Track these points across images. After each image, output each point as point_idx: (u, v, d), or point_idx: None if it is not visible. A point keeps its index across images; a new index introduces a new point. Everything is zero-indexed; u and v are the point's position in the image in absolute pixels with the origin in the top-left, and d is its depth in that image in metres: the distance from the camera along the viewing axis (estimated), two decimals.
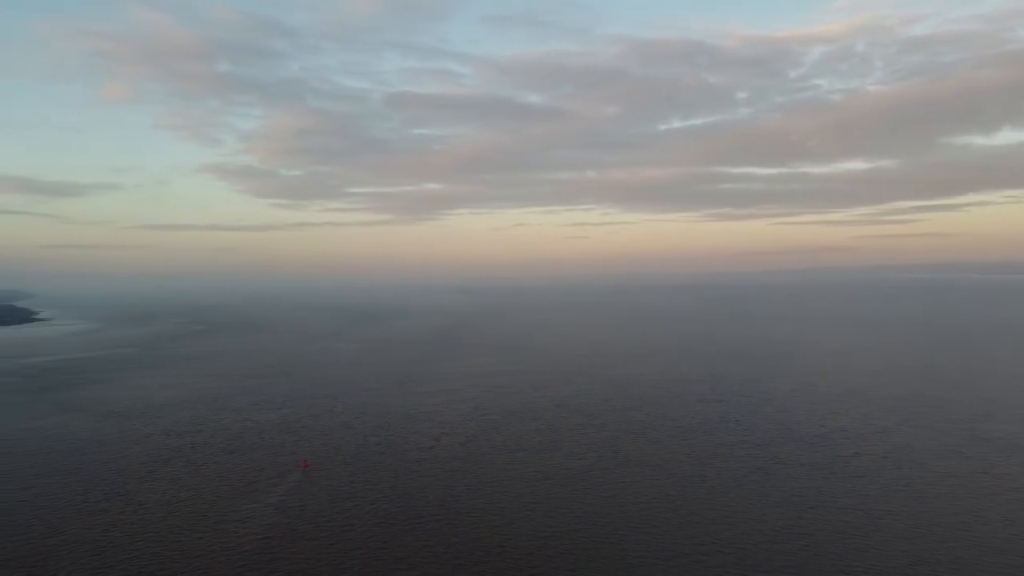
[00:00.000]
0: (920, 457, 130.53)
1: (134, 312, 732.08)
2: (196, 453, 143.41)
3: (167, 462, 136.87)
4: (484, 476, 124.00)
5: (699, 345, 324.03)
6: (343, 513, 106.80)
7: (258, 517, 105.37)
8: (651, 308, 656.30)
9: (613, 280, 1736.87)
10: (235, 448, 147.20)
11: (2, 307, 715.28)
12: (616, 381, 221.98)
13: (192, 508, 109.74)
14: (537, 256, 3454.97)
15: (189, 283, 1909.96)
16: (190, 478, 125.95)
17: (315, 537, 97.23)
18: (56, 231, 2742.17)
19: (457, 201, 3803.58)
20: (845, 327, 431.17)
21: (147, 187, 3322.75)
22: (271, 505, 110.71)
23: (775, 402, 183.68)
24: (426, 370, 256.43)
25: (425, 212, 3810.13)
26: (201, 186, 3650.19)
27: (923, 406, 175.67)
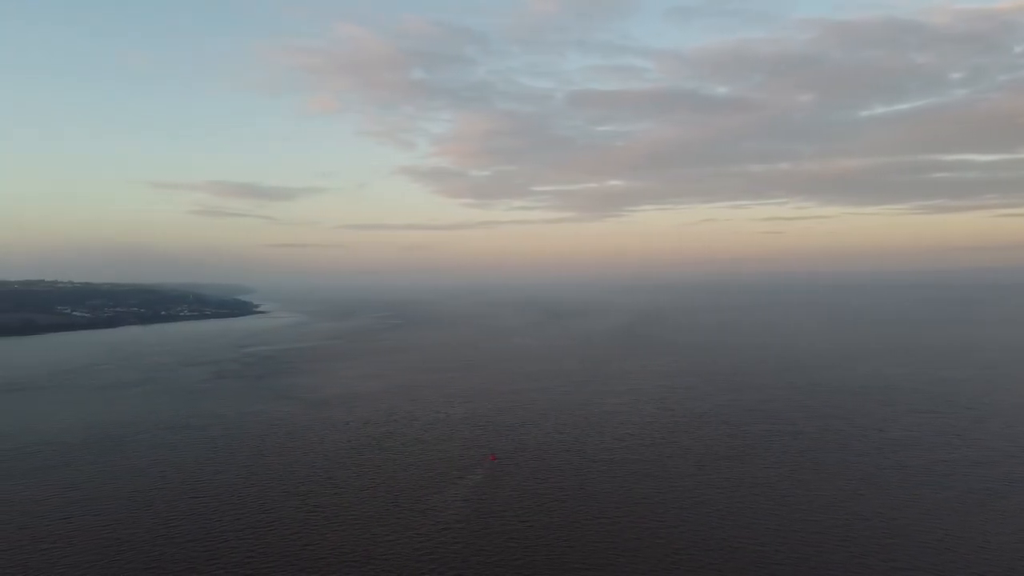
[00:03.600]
0: None
1: (338, 306, 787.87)
2: (391, 442, 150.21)
3: (364, 449, 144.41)
4: (671, 481, 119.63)
5: (909, 348, 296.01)
6: (528, 509, 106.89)
7: (447, 507, 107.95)
8: (853, 307, 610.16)
9: (810, 277, 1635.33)
10: (427, 439, 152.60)
11: (229, 301, 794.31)
12: (814, 386, 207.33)
13: (386, 495, 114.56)
14: (726, 252, 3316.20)
15: (386, 279, 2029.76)
16: (385, 466, 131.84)
17: (500, 531, 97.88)
18: (272, 231, 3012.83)
19: (641, 197, 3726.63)
20: None
21: (349, 190, 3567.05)
22: (459, 497, 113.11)
23: (1005, 415, 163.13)
24: (611, 368, 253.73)
25: (609, 209, 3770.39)
26: (396, 188, 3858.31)
27: None
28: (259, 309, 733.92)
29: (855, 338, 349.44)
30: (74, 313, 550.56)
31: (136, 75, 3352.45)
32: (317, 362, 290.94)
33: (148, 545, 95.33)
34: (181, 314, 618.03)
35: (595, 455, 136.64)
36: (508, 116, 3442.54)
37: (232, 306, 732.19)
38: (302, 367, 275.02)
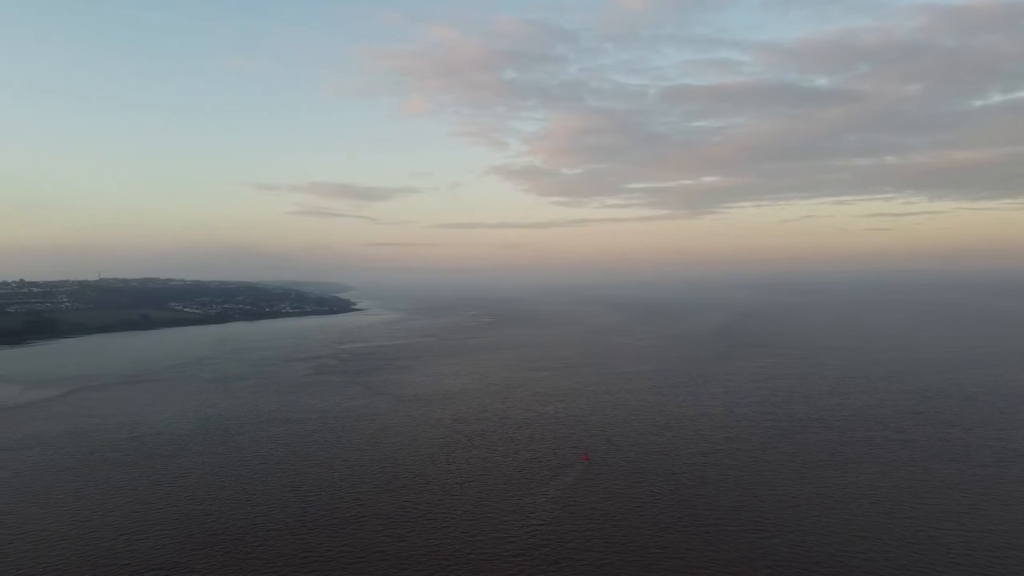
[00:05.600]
0: None
1: (432, 304, 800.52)
2: (482, 440, 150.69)
3: (456, 447, 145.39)
4: (769, 487, 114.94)
5: None
6: (620, 512, 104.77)
7: (538, 508, 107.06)
8: (968, 307, 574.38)
9: (920, 276, 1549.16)
10: (518, 438, 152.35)
11: (328, 299, 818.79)
12: (925, 391, 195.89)
13: (476, 494, 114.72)
14: (829, 250, 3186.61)
15: (479, 277, 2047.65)
16: (476, 464, 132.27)
17: (591, 534, 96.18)
18: (369, 231, 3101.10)
19: (738, 193, 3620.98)
20: None
21: (442, 189, 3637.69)
22: (550, 497, 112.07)
23: None
24: (707, 369, 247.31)
25: (704, 206, 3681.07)
26: (489, 187, 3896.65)
27: None
28: (357, 307, 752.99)
29: (971, 340, 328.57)
30: (185, 309, 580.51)
31: (242, 82, 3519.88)
32: (411, 359, 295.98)
33: (246, 534, 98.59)
34: (283, 311, 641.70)
35: (690, 458, 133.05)
36: (600, 114, 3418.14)
37: (331, 303, 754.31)
38: (397, 364, 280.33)
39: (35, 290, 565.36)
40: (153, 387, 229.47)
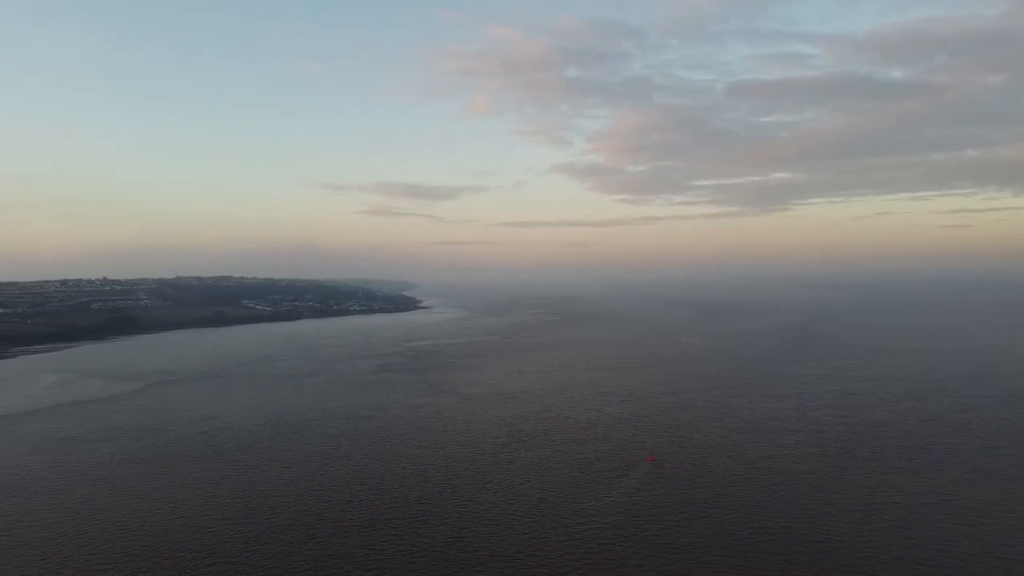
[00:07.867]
0: None
1: (496, 302, 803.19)
2: (545, 440, 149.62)
3: (518, 447, 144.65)
4: (841, 493, 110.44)
5: None
6: (686, 516, 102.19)
7: (601, 510, 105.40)
8: None
9: (1005, 275, 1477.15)
10: (582, 438, 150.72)
11: (395, 297, 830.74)
12: (1012, 396, 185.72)
13: (536, 493, 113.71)
14: (905, 247, 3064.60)
15: (543, 275, 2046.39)
16: (538, 464, 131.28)
17: (655, 538, 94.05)
18: (434, 230, 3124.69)
19: (809, 190, 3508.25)
20: None
21: (506, 188, 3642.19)
22: (613, 499, 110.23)
23: None
24: (777, 370, 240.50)
25: (774, 202, 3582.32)
26: (553, 185, 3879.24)
27: None
28: (423, 304, 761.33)
29: None
30: (257, 307, 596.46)
31: (311, 86, 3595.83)
32: (475, 357, 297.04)
33: (312, 529, 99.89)
34: (351, 308, 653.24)
35: (758, 462, 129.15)
36: (665, 110, 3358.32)
37: (398, 301, 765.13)
38: (461, 362, 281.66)
39: (117, 288, 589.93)
40: (224, 383, 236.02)
